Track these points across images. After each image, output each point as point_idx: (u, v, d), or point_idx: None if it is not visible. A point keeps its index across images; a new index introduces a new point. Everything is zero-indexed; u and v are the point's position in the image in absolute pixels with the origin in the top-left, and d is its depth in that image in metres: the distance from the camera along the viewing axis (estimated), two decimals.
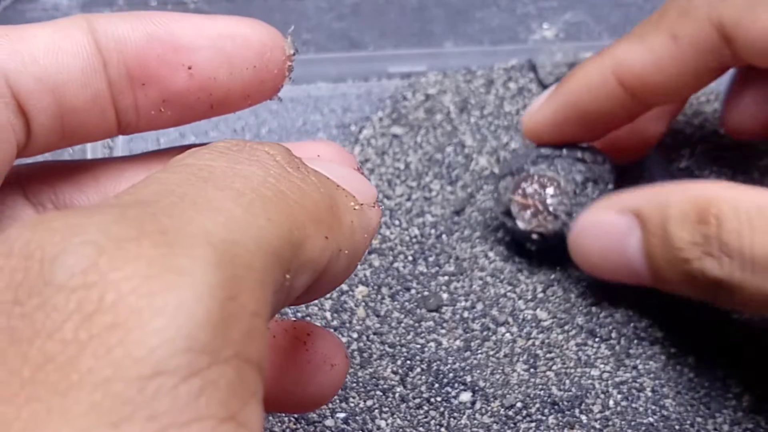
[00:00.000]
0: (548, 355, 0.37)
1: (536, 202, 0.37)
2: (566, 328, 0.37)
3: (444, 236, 0.40)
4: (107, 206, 0.17)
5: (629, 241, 0.33)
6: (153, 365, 0.15)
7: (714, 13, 0.32)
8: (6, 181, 0.23)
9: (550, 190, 0.36)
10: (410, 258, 0.40)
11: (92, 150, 0.41)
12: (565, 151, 0.37)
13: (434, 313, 0.38)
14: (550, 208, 0.36)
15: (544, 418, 0.35)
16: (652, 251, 0.32)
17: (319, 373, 0.26)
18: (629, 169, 0.43)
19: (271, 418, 0.35)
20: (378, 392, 0.35)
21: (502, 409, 0.35)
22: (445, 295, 0.38)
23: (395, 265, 0.39)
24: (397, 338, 0.37)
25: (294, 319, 0.37)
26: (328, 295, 0.38)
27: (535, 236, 0.37)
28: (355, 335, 0.37)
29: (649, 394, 0.35)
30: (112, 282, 0.15)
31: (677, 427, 0.35)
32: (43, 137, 0.24)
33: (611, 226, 0.34)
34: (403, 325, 0.37)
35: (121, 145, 0.43)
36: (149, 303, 0.15)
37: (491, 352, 0.37)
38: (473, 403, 0.35)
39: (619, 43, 0.35)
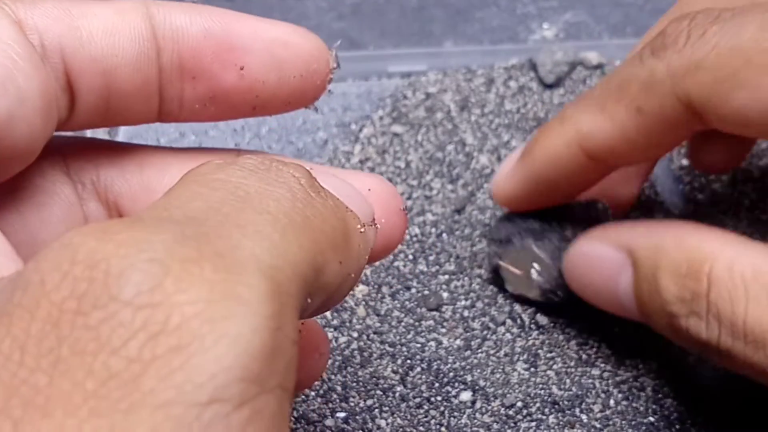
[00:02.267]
0: (549, 355, 0.37)
1: (522, 274, 0.37)
2: (566, 327, 0.37)
3: (444, 235, 0.40)
4: (165, 221, 0.18)
5: (620, 278, 0.32)
6: (211, 392, 0.15)
7: (680, 89, 0.30)
8: (47, 151, 0.23)
9: (536, 266, 0.36)
10: (410, 257, 0.40)
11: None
12: (555, 224, 0.37)
13: (434, 312, 0.38)
14: (534, 283, 0.37)
15: (544, 417, 0.35)
16: (641, 296, 0.31)
17: (309, 361, 0.27)
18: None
19: None
20: (378, 391, 0.35)
21: (503, 409, 0.35)
22: (445, 294, 0.38)
23: (395, 263, 0.39)
24: (398, 337, 0.37)
25: None
26: None
27: (522, 299, 0.38)
28: (355, 334, 0.37)
29: (650, 393, 0.35)
30: (177, 304, 0.16)
31: (677, 426, 0.35)
32: (86, 115, 0.24)
33: (604, 260, 0.33)
34: (403, 324, 0.37)
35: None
36: (211, 330, 0.16)
37: (491, 352, 0.37)
38: (473, 402, 0.35)
39: (579, 111, 0.33)
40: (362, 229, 0.22)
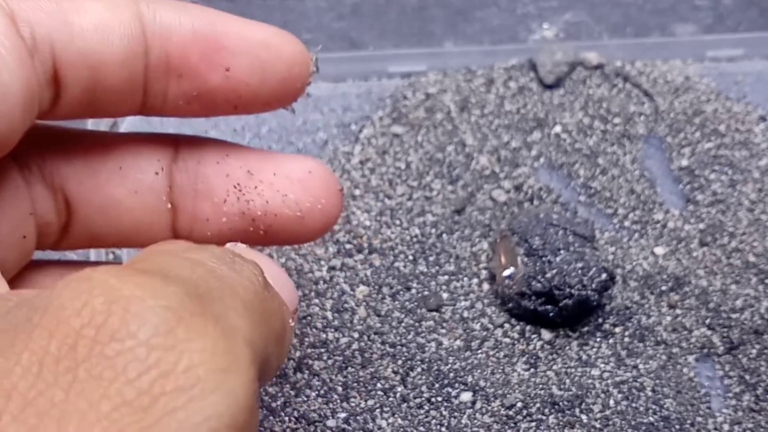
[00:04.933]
0: (548, 355, 0.37)
1: (501, 266, 0.38)
2: (566, 328, 0.37)
3: (444, 235, 0.40)
4: (171, 278, 0.19)
5: None
6: None
7: None
8: None
9: (512, 272, 0.37)
10: (411, 257, 0.40)
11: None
12: (565, 271, 0.36)
13: (434, 313, 0.38)
14: (500, 280, 0.37)
15: (544, 417, 0.35)
16: None
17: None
18: (627, 170, 0.43)
19: (271, 417, 0.35)
20: (379, 392, 0.35)
21: (503, 409, 0.35)
22: (445, 295, 0.38)
23: (396, 264, 0.39)
24: (398, 338, 0.37)
25: None
26: (329, 295, 0.38)
27: (489, 278, 0.38)
28: (356, 335, 0.37)
29: (650, 393, 0.35)
30: (186, 351, 0.18)
31: (677, 427, 0.35)
32: (69, 107, 0.24)
33: None
34: (403, 324, 0.37)
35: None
36: (213, 378, 0.18)
37: (491, 352, 0.37)
38: (474, 402, 0.35)
39: None
40: (292, 323, 0.24)
